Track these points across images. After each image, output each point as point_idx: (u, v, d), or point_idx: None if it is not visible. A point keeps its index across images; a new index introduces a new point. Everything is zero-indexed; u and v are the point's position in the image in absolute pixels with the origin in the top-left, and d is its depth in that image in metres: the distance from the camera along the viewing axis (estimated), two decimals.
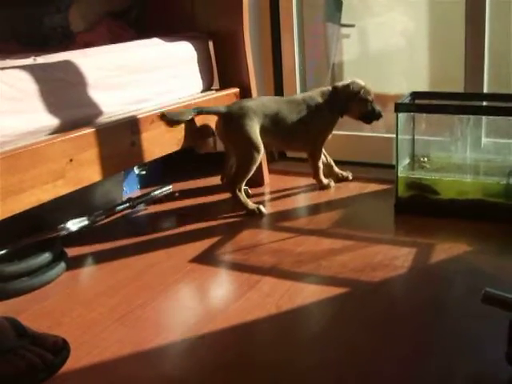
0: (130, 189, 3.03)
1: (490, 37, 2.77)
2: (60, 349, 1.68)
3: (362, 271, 2.11)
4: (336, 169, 3.02)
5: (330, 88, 2.85)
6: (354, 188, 2.92)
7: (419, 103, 2.69)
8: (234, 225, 2.57)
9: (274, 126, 2.70)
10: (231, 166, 2.78)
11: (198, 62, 2.80)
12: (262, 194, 2.92)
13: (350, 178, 3.01)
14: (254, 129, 2.62)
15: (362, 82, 2.84)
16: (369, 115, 2.84)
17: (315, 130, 2.81)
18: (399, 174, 2.57)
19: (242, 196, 2.66)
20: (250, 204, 2.66)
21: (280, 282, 2.07)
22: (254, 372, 1.63)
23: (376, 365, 1.62)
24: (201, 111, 2.62)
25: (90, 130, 2.17)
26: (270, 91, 3.32)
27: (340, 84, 2.85)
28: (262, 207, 2.66)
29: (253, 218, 2.62)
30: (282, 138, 2.78)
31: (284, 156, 3.37)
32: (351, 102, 2.81)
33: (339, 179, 3.01)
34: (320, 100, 2.81)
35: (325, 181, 2.92)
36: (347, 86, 2.82)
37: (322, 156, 2.95)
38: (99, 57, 2.35)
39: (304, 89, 3.37)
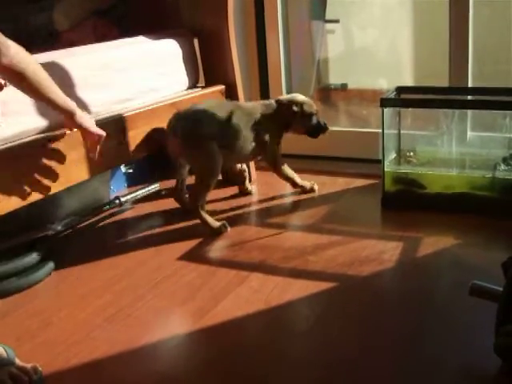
0: (117, 187, 3.03)
1: (474, 31, 2.78)
2: (36, 369, 1.60)
3: (349, 266, 2.12)
4: (246, 182, 2.90)
5: (273, 102, 2.75)
6: (340, 183, 2.93)
7: (404, 98, 2.70)
8: (221, 222, 2.56)
9: (227, 136, 2.53)
10: (183, 181, 2.66)
11: (184, 60, 2.80)
12: (246, 194, 2.91)
13: (253, 192, 2.90)
14: (212, 139, 2.46)
15: (302, 97, 2.77)
16: (314, 130, 2.78)
17: (265, 143, 2.67)
18: (386, 169, 2.58)
19: (206, 214, 2.49)
20: (215, 223, 2.48)
21: (268, 278, 2.07)
22: (243, 367, 1.63)
23: (365, 358, 1.63)
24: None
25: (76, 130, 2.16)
26: (255, 88, 3.33)
27: (283, 100, 2.75)
28: (226, 224, 2.48)
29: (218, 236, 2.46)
30: (234, 149, 2.57)
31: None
32: (294, 120, 2.72)
33: (242, 191, 2.90)
34: (265, 112, 2.68)
35: (306, 184, 2.85)
36: (288, 103, 2.72)
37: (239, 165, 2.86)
38: (84, 56, 2.34)
39: (289, 85, 3.38)
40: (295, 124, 2.75)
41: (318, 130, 2.78)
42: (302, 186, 2.85)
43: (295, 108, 2.71)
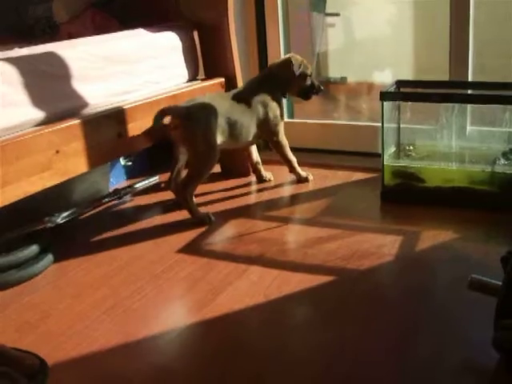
0: (117, 180, 3.03)
1: (474, 26, 2.78)
2: (36, 373, 1.55)
3: (348, 259, 2.12)
4: (261, 168, 2.92)
5: (264, 72, 2.82)
6: (340, 177, 2.93)
7: (404, 92, 2.70)
8: (220, 214, 2.57)
9: (230, 123, 2.56)
10: (179, 170, 2.66)
11: (183, 52, 2.79)
12: (248, 184, 2.92)
13: (272, 179, 2.92)
14: (214, 130, 2.49)
15: (298, 57, 2.81)
16: (309, 90, 2.82)
17: (268, 119, 2.72)
18: (385, 163, 2.58)
19: (193, 203, 2.51)
20: (200, 212, 2.52)
21: (267, 271, 2.08)
22: (242, 360, 1.63)
23: (364, 352, 1.63)
24: (163, 113, 2.45)
25: (76, 122, 2.16)
26: None
27: (275, 63, 2.82)
28: (211, 215, 2.51)
29: (203, 225, 2.48)
30: (239, 136, 2.62)
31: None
32: (291, 79, 2.76)
33: (261, 179, 2.93)
34: (259, 87, 2.73)
35: (303, 173, 2.88)
36: (284, 62, 2.78)
37: (253, 152, 2.89)
38: (83, 48, 2.33)
39: None
40: (292, 84, 2.80)
41: (311, 90, 2.82)
42: (298, 174, 2.87)
43: (293, 65, 2.74)
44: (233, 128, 2.58)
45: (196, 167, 2.51)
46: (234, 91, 2.75)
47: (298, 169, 2.87)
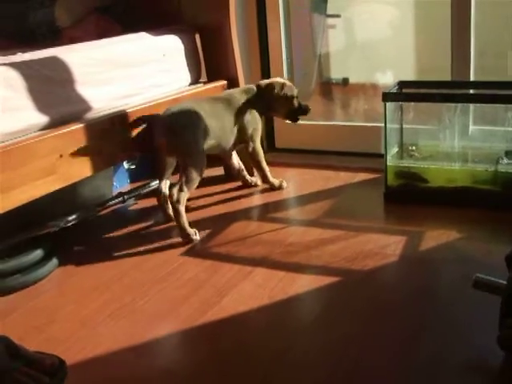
0: (121, 184, 3.03)
1: (475, 25, 2.78)
2: (56, 370, 1.58)
3: (352, 260, 2.12)
4: (245, 174, 2.90)
5: (254, 86, 2.78)
6: (343, 178, 2.93)
7: (407, 92, 2.70)
8: (223, 217, 2.57)
9: (213, 127, 2.53)
10: (166, 181, 2.61)
11: (186, 55, 2.80)
12: (252, 186, 2.92)
13: (259, 183, 2.90)
14: (200, 134, 2.46)
15: (282, 80, 2.81)
16: (295, 112, 2.81)
17: (247, 128, 2.70)
18: (388, 163, 2.58)
19: (183, 215, 2.37)
20: (188, 227, 2.37)
21: (272, 273, 2.08)
22: (247, 363, 1.64)
23: (368, 353, 1.63)
24: (140, 120, 2.42)
25: (79, 126, 2.16)
26: None
27: (263, 83, 2.79)
28: (198, 233, 2.38)
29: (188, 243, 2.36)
30: (221, 139, 2.60)
31: (273, 147, 3.36)
32: (275, 102, 2.76)
33: (247, 185, 2.90)
34: (244, 98, 2.70)
35: (276, 182, 2.85)
36: (269, 85, 2.76)
37: (234, 159, 2.86)
38: (86, 52, 2.34)
39: (291, 80, 3.37)
40: (277, 107, 2.79)
41: (298, 112, 2.81)
42: (271, 183, 2.86)
43: (276, 90, 2.74)
44: (216, 131, 2.55)
45: (188, 174, 2.41)
46: (217, 95, 2.75)
47: (271, 178, 2.84)
